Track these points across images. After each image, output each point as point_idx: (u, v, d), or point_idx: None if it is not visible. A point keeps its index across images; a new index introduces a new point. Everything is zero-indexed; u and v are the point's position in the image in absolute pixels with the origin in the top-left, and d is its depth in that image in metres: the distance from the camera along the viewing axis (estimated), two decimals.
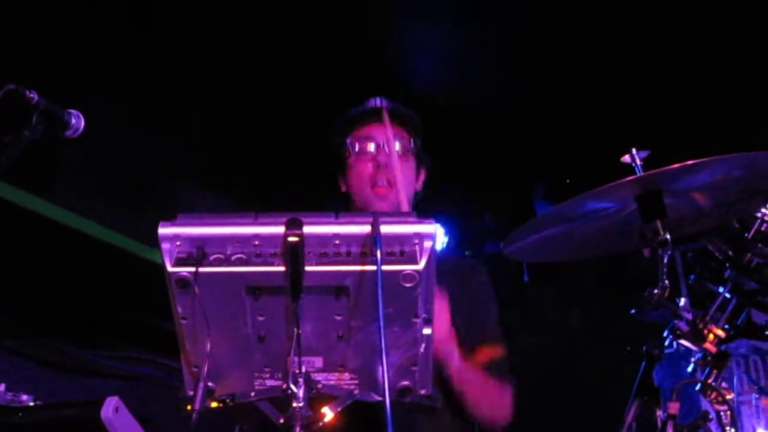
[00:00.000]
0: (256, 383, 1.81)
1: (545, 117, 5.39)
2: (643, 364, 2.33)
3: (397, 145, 2.65)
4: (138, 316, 4.12)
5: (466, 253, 6.52)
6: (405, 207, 2.60)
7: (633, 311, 2.24)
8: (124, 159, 4.26)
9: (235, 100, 4.69)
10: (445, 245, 6.11)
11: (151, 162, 4.39)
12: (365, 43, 4.75)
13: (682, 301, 2.27)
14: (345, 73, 4.65)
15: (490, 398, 2.56)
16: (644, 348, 2.33)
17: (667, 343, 2.30)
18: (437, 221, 1.66)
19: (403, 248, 1.63)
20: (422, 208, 2.59)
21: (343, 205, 2.75)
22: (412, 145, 2.71)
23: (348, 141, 2.71)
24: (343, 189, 2.77)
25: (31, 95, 2.09)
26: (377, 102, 2.71)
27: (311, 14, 4.44)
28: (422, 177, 2.78)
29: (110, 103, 4.02)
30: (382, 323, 1.56)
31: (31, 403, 2.32)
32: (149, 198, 4.29)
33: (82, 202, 3.94)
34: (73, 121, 2.17)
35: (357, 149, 2.69)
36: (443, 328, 2.29)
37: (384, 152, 2.65)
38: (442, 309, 2.26)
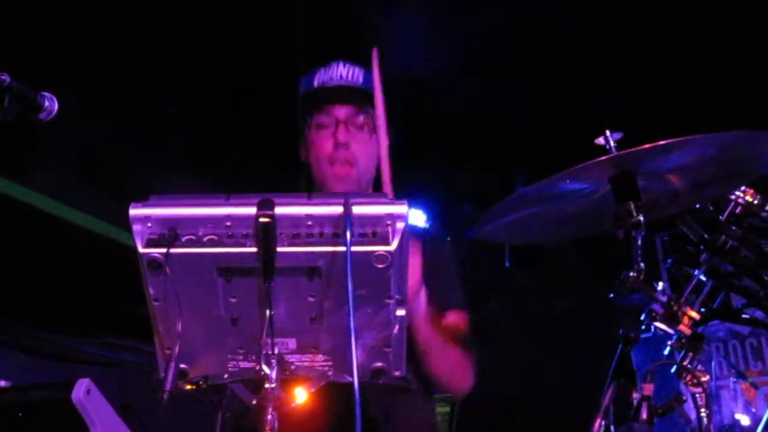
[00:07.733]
0: (229, 365, 1.80)
1: (526, 105, 5.39)
2: (620, 347, 2.33)
3: (356, 121, 2.64)
4: (116, 301, 4.10)
5: (447, 238, 6.55)
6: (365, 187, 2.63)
7: (611, 295, 2.24)
8: (100, 144, 4.23)
9: (213, 83, 4.66)
10: None
11: (129, 147, 4.36)
12: (346, 22, 4.73)
13: (660, 286, 2.27)
14: (324, 52, 4.62)
15: (452, 363, 2.54)
16: (621, 331, 2.34)
17: (645, 327, 2.31)
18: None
19: (375, 229, 1.63)
20: (402, 196, 2.58)
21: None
22: (369, 118, 2.66)
23: (308, 115, 2.70)
24: (302, 159, 2.76)
25: (3, 77, 2.06)
26: (337, 73, 2.69)
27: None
28: (385, 146, 2.59)
29: (86, 88, 3.98)
30: (351, 304, 1.56)
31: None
32: (126, 183, 4.26)
33: (57, 187, 3.91)
34: (47, 103, 2.13)
35: (316, 124, 2.68)
36: (414, 273, 2.23)
37: (343, 130, 2.63)
38: (414, 262, 2.22)
